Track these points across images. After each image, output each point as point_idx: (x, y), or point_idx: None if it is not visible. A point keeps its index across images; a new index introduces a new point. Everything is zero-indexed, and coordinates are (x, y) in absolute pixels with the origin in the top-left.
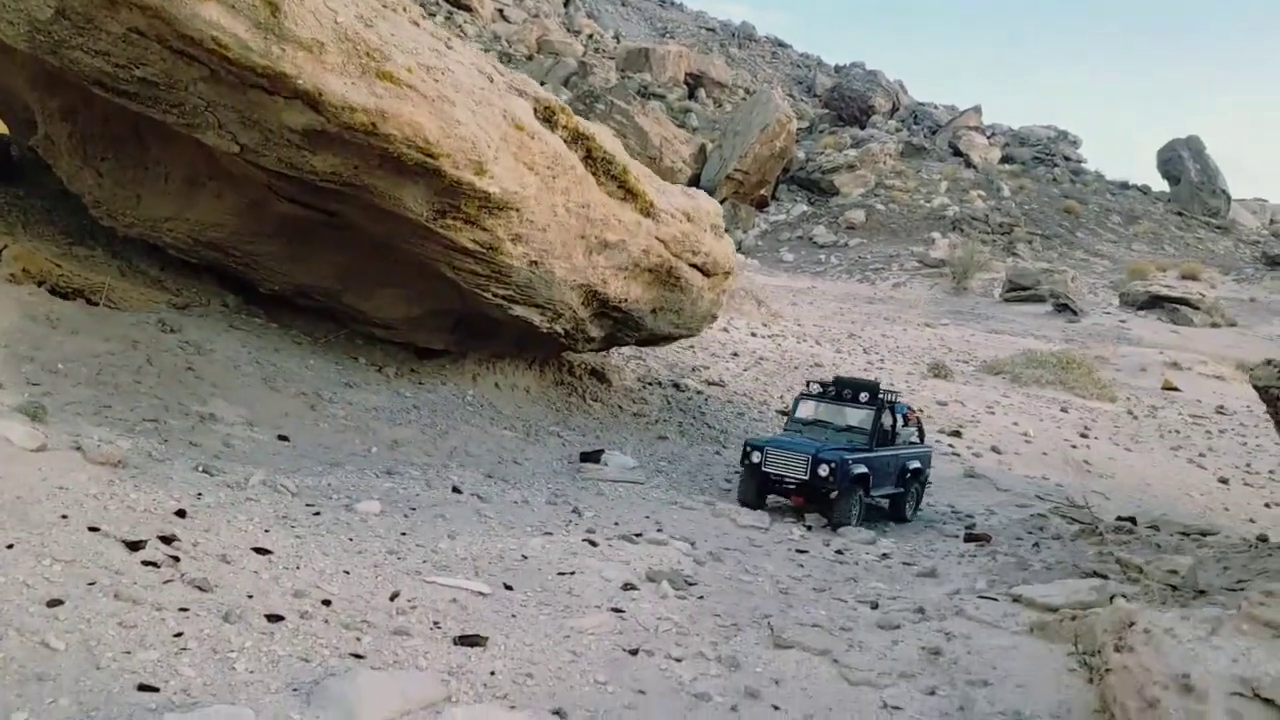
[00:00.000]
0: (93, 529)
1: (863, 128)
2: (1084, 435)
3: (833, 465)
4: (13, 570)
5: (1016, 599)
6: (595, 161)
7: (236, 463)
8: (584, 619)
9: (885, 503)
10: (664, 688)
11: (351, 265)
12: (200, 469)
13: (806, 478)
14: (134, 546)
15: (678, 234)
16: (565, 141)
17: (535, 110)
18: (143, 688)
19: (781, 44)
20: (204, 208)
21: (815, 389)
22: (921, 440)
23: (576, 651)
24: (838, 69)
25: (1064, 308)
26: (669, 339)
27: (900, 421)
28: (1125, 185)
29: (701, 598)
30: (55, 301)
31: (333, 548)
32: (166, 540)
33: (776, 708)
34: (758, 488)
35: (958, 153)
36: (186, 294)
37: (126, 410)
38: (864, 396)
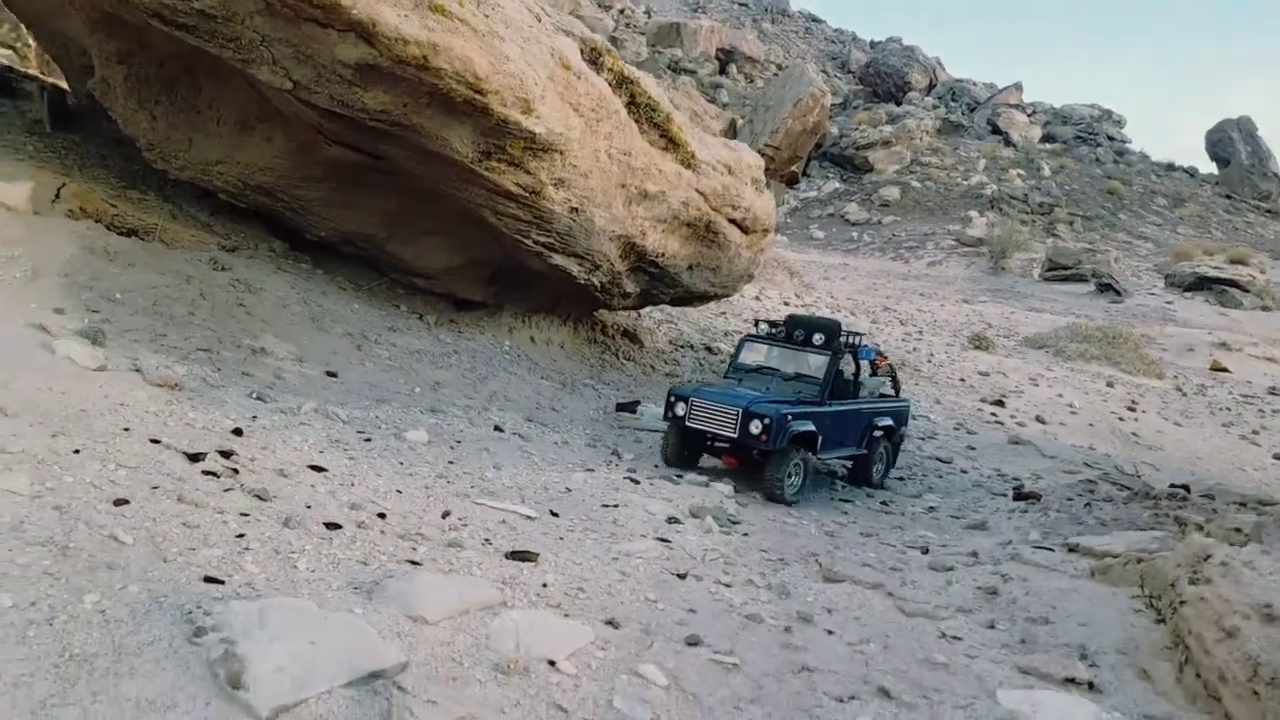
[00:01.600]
0: (154, 441)
1: (898, 104)
2: (1131, 409)
3: (766, 421)
4: (80, 472)
5: (1073, 549)
6: (639, 108)
7: (288, 394)
8: (631, 544)
9: (845, 467)
10: (715, 608)
11: (396, 213)
12: (254, 395)
13: (735, 435)
14: (194, 458)
15: (718, 187)
16: (610, 85)
17: (582, 51)
18: (208, 579)
19: (815, 19)
20: (254, 151)
21: (763, 329)
22: (896, 393)
23: (625, 572)
24: (873, 45)
25: (1107, 288)
26: (704, 298)
27: (866, 370)
28: (1171, 167)
29: (746, 535)
30: (111, 236)
31: (385, 469)
32: (225, 454)
33: (830, 632)
34: (683, 445)
35: (996, 130)
36: (235, 238)
37: (181, 340)
38: (818, 339)
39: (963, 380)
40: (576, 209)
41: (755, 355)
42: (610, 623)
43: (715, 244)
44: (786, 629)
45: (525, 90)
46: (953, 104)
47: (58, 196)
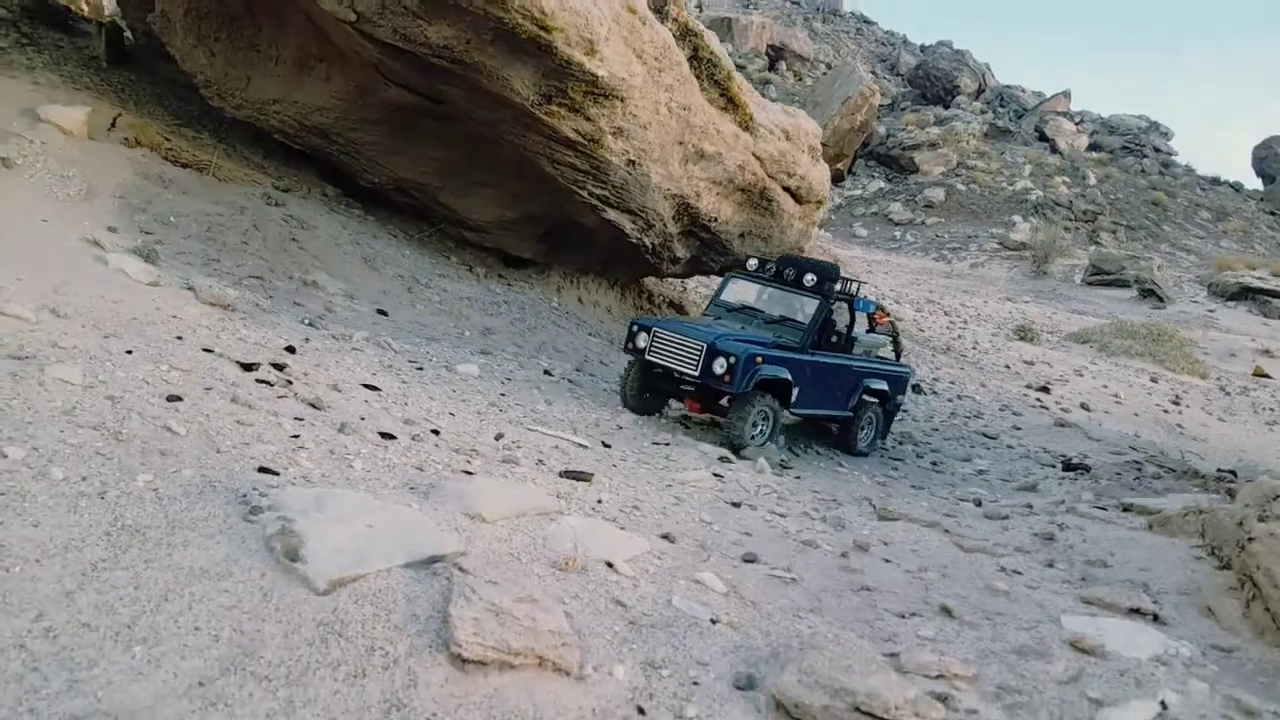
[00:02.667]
0: (206, 350)
1: (946, 107)
2: (1175, 403)
3: (731, 360)
4: (132, 369)
5: (1127, 508)
6: (701, 63)
7: (339, 324)
8: (684, 475)
9: (832, 428)
10: (770, 534)
11: (450, 161)
12: (305, 322)
13: (697, 374)
14: (247, 367)
15: (774, 153)
16: (675, 36)
17: None
18: (263, 470)
19: (867, 21)
20: (311, 90)
21: (752, 264)
22: (897, 357)
23: (679, 498)
24: (923, 49)
25: (1149, 293)
26: None
27: (864, 324)
28: (1216, 181)
29: (798, 478)
30: (166, 165)
31: (438, 394)
32: (278, 367)
33: (888, 560)
34: (644, 384)
35: (1043, 138)
36: (287, 180)
37: (233, 266)
38: (810, 280)
39: (1007, 367)
40: (634, 161)
41: (740, 293)
42: (666, 537)
43: (768, 212)
44: (843, 555)
45: (590, 30)
46: (1000, 110)
47: (113, 125)
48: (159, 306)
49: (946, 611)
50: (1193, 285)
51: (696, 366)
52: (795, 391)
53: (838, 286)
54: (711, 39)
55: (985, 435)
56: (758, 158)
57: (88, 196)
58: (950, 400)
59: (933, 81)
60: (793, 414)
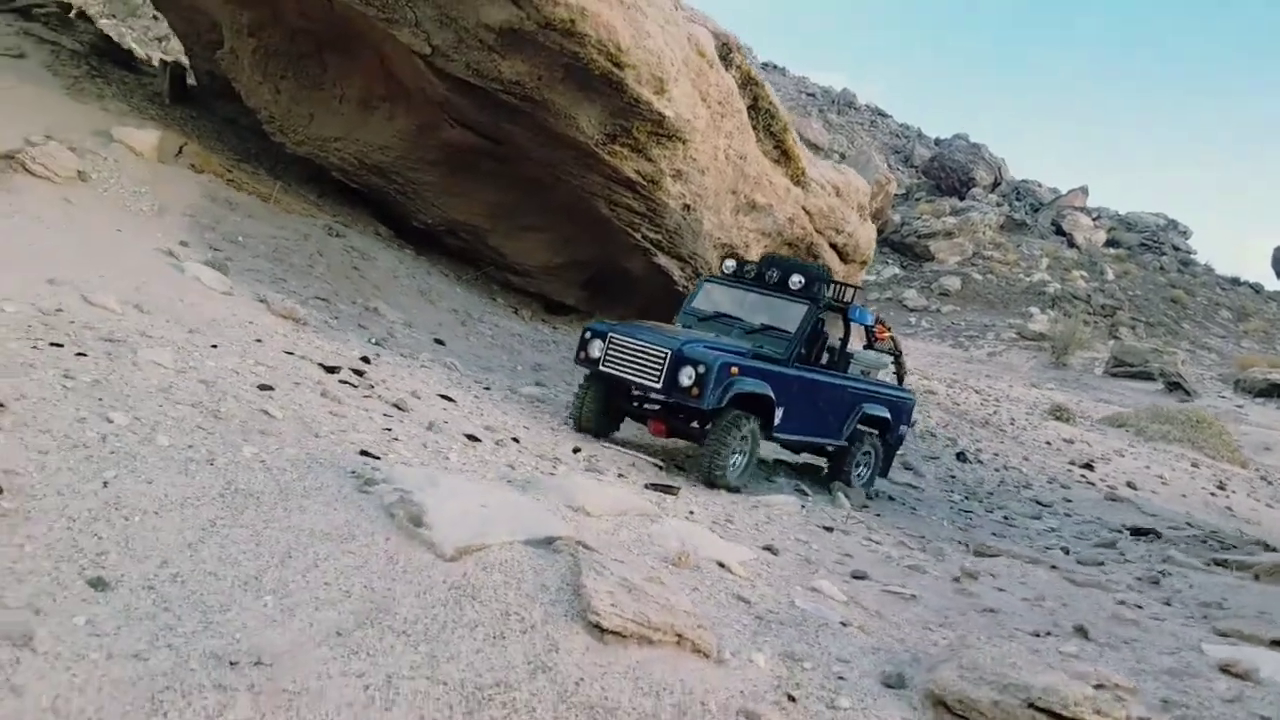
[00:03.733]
0: (288, 352)
1: (961, 199)
2: (1220, 488)
3: (700, 370)
4: (220, 360)
5: (1221, 563)
6: (759, 113)
7: (402, 348)
8: (768, 498)
9: (821, 462)
10: (872, 557)
11: (504, 203)
12: (372, 341)
13: (659, 386)
14: (330, 369)
15: (824, 208)
16: (738, 83)
17: (715, 43)
18: (364, 453)
19: (881, 113)
20: (374, 129)
21: (729, 266)
22: (900, 380)
23: (769, 518)
24: (937, 141)
25: (1175, 386)
26: None
27: (860, 338)
28: (1236, 281)
29: (879, 515)
30: (231, 190)
31: (509, 410)
32: (358, 373)
33: (1001, 590)
34: (600, 401)
35: (1060, 231)
36: (343, 218)
37: (300, 286)
38: (797, 282)
39: (1048, 444)
40: (689, 206)
41: (715, 300)
42: (768, 549)
43: None
44: (955, 579)
45: (662, 69)
46: (1017, 203)
47: (180, 153)
48: (235, 312)
49: (1082, 633)
50: (1215, 383)
51: (659, 378)
52: (779, 412)
53: (829, 291)
54: (770, 91)
55: (1039, 503)
56: (807, 212)
57: (159, 213)
58: (997, 470)
59: (948, 173)
60: (776, 439)
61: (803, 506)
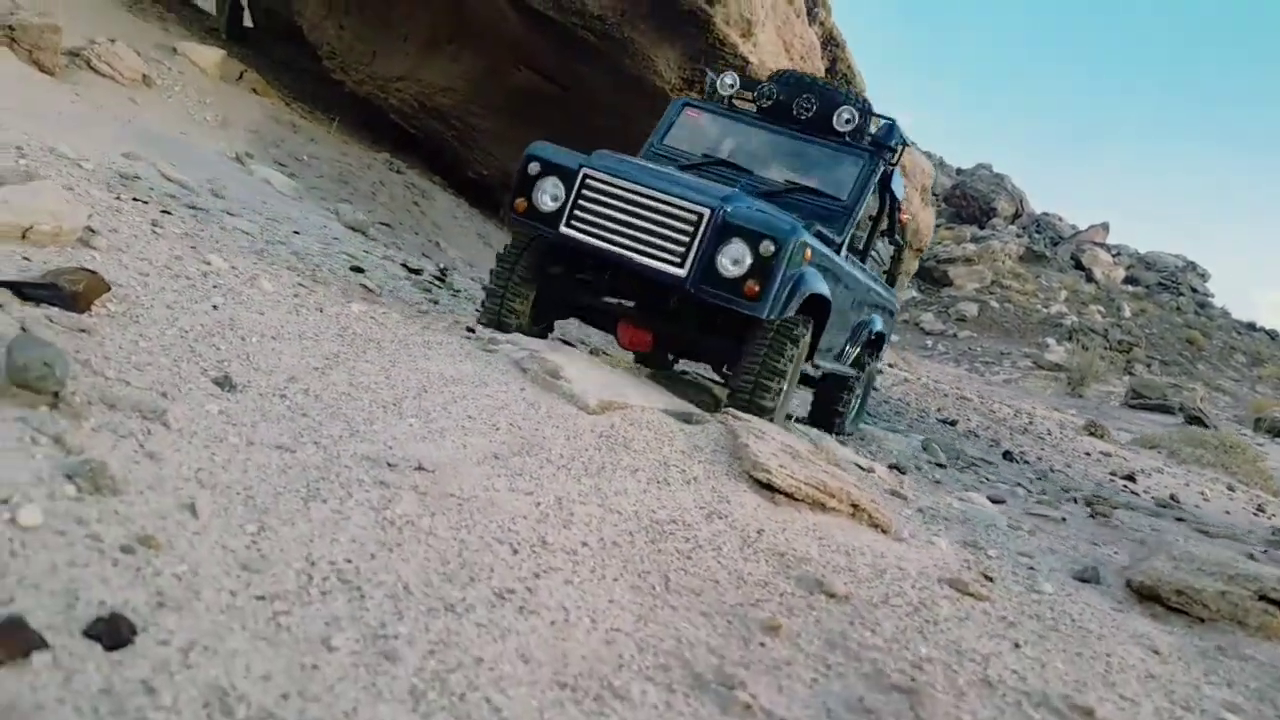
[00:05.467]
0: (366, 251)
1: (981, 228)
2: (1260, 510)
3: (768, 249)
4: (305, 242)
5: None
6: (835, 76)
7: (468, 280)
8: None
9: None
10: (996, 491)
11: None
12: (440, 265)
13: (684, 273)
14: (413, 270)
15: None
16: (819, 40)
17: None
18: (470, 330)
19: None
20: (438, 70)
21: (729, 82)
22: (892, 282)
23: (877, 450)
24: (959, 171)
25: (1196, 420)
26: None
27: (884, 225)
28: (1252, 327)
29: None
30: (294, 113)
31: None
32: (438, 278)
33: (1138, 529)
34: (538, 283)
35: (1079, 266)
36: (397, 163)
37: (365, 211)
38: (847, 120)
39: (1087, 454)
40: None
41: (703, 134)
42: (895, 467)
43: None
44: (1090, 516)
45: (751, 10)
46: (1037, 235)
47: (240, 78)
48: (307, 216)
49: (1251, 559)
50: (1231, 423)
51: (683, 258)
52: (829, 321)
53: (894, 141)
54: (851, 54)
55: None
56: None
57: (223, 125)
58: (1043, 474)
59: (969, 202)
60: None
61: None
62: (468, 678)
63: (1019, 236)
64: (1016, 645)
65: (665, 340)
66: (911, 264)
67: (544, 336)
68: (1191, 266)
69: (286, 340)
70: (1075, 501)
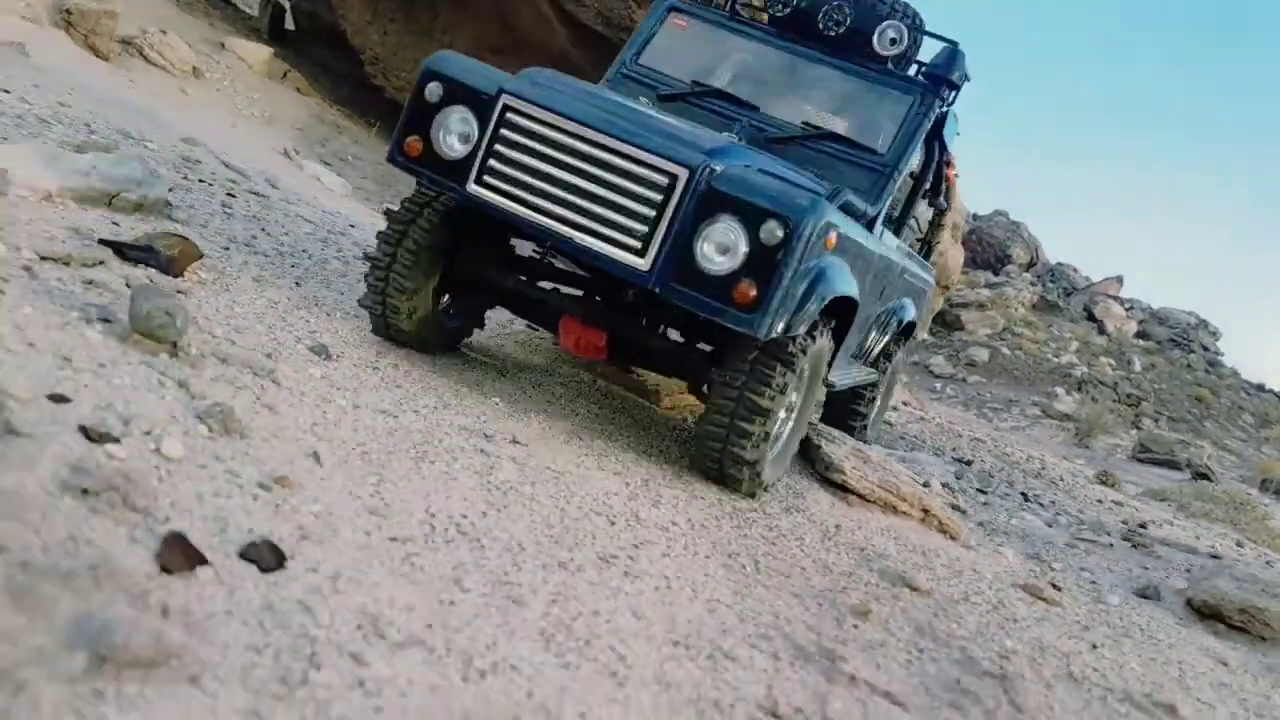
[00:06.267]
0: None
1: (996, 274)
2: (1269, 565)
3: (776, 231)
4: (366, 237)
5: None
6: None
7: None
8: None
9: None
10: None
11: None
12: None
13: (645, 266)
14: None
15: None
16: None
17: None
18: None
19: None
20: None
21: None
22: (928, 255)
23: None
24: (975, 217)
25: (1203, 477)
26: None
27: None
28: (1262, 388)
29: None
30: (335, 114)
31: None
32: None
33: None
34: (438, 267)
35: (1092, 317)
36: None
37: None
38: (892, 40)
39: (1099, 502)
40: None
41: (694, 52)
42: (946, 485)
43: None
44: (1131, 545)
45: None
46: (1051, 284)
47: (285, 77)
48: (356, 213)
49: None
50: (1236, 483)
51: (646, 243)
52: (856, 315)
53: (956, 73)
54: None
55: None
56: None
57: (269, 121)
58: (1060, 515)
59: (985, 247)
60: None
61: None
62: (589, 626)
63: (1033, 285)
64: (1094, 646)
65: (625, 346)
66: (937, 301)
67: (456, 341)
68: (1204, 324)
69: (365, 319)
70: (1109, 534)
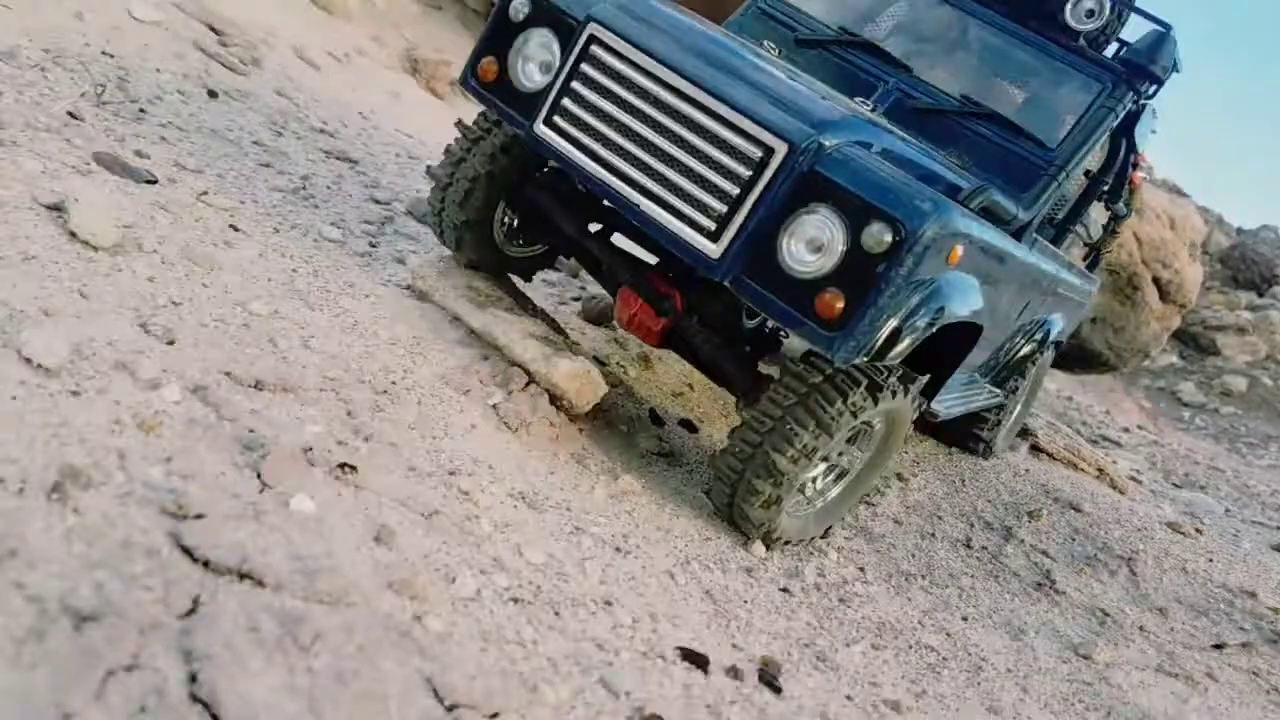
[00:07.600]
0: None
1: (1260, 295)
2: None
3: (898, 235)
4: None
5: None
6: None
7: None
8: None
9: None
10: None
11: None
12: None
13: (716, 255)
14: None
15: (1155, 238)
16: None
17: None
18: None
19: (1180, 192)
20: None
21: None
22: (1093, 267)
23: None
24: (1239, 231)
25: None
26: (1091, 362)
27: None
28: None
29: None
30: None
31: None
32: None
33: None
34: (496, 202)
35: None
36: None
37: None
38: (1085, 10)
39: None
40: None
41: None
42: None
43: (1130, 301)
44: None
45: None
46: None
47: None
48: None
49: None
50: None
51: (722, 226)
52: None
53: (1162, 62)
54: None
55: None
56: (1137, 239)
57: None
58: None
59: (1248, 265)
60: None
61: None
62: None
63: None
64: (1210, 559)
65: (685, 336)
66: (1173, 320)
67: (530, 273)
68: None
69: None
70: None
